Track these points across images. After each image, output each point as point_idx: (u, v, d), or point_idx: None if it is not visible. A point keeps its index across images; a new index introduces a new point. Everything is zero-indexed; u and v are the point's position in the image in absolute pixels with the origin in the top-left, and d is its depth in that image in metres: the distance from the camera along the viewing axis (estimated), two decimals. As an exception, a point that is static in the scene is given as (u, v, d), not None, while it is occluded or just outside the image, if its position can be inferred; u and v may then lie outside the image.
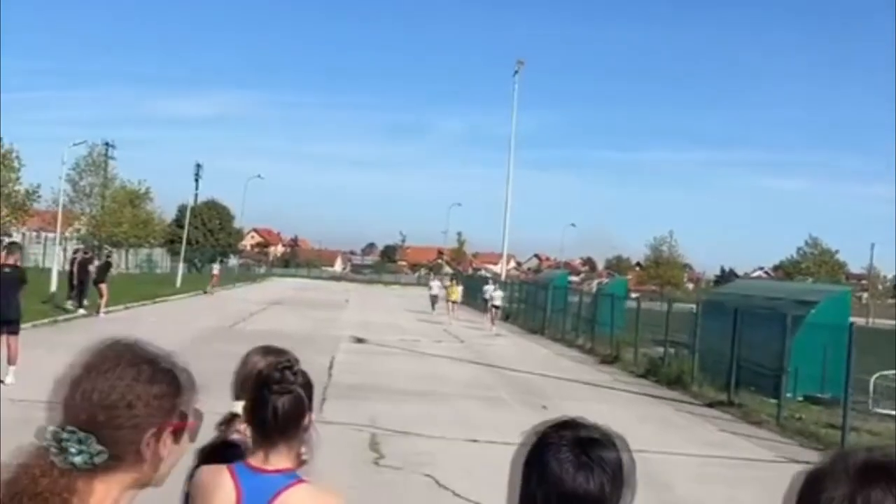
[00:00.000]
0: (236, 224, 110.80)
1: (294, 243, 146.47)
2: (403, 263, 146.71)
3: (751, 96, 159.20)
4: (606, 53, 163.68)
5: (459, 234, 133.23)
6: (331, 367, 20.95)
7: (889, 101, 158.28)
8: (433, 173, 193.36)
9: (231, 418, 3.35)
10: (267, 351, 3.36)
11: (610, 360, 28.21)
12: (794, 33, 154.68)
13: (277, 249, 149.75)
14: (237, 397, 3.32)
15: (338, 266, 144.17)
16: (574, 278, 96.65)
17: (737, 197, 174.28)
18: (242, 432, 3.20)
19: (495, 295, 41.90)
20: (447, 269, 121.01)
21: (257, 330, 28.13)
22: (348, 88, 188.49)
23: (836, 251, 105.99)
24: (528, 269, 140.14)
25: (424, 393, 18.59)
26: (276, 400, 2.85)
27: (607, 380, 23.91)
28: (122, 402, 1.80)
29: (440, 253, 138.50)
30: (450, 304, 44.16)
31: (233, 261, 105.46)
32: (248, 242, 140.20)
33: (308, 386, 2.94)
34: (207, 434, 2.94)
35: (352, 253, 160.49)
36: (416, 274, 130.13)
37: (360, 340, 29.01)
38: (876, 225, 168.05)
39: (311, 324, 34.35)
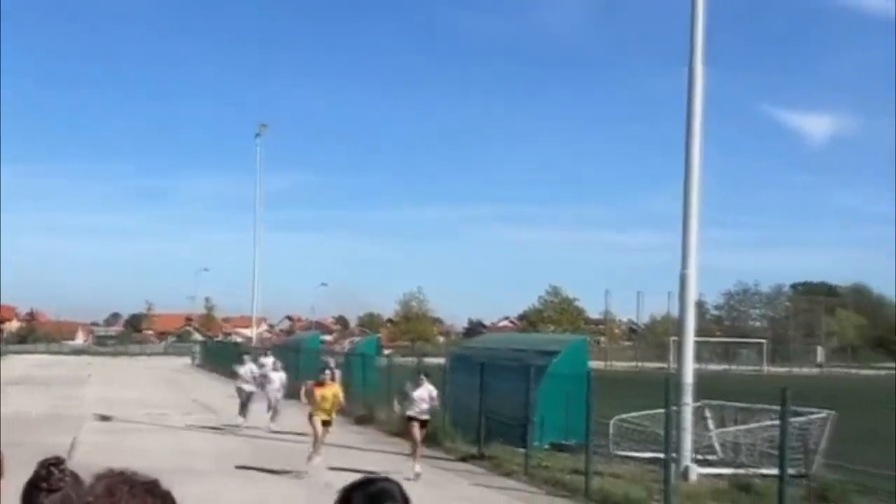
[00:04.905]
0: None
1: (31, 317, 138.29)
2: (150, 332, 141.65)
3: (491, 153, 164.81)
4: (355, 114, 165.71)
5: (207, 299, 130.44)
6: (72, 449, 19.93)
7: (620, 155, 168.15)
8: (178, 238, 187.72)
9: None
10: None
11: (364, 420, 28.29)
12: (535, 93, 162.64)
13: (13, 325, 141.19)
14: None
15: (80, 339, 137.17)
16: (327, 337, 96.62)
17: (480, 250, 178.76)
18: None
19: (418, 397, 19.14)
20: (197, 336, 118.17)
21: (-10, 414, 26.41)
22: (79, 154, 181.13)
23: (576, 299, 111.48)
24: (281, 330, 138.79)
25: (174, 470, 17.95)
26: (45, 498, 2.79)
27: (362, 440, 23.97)
28: None
29: (189, 319, 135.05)
30: (316, 420, 18.67)
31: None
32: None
33: (79, 484, 2.83)
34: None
35: (94, 324, 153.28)
36: (163, 343, 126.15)
37: (104, 418, 27.79)
38: (609, 272, 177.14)
39: (52, 402, 32.64)
